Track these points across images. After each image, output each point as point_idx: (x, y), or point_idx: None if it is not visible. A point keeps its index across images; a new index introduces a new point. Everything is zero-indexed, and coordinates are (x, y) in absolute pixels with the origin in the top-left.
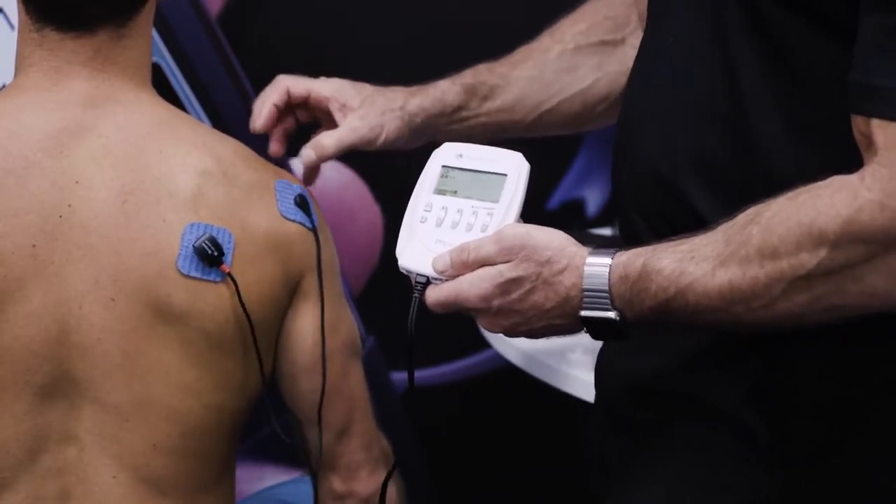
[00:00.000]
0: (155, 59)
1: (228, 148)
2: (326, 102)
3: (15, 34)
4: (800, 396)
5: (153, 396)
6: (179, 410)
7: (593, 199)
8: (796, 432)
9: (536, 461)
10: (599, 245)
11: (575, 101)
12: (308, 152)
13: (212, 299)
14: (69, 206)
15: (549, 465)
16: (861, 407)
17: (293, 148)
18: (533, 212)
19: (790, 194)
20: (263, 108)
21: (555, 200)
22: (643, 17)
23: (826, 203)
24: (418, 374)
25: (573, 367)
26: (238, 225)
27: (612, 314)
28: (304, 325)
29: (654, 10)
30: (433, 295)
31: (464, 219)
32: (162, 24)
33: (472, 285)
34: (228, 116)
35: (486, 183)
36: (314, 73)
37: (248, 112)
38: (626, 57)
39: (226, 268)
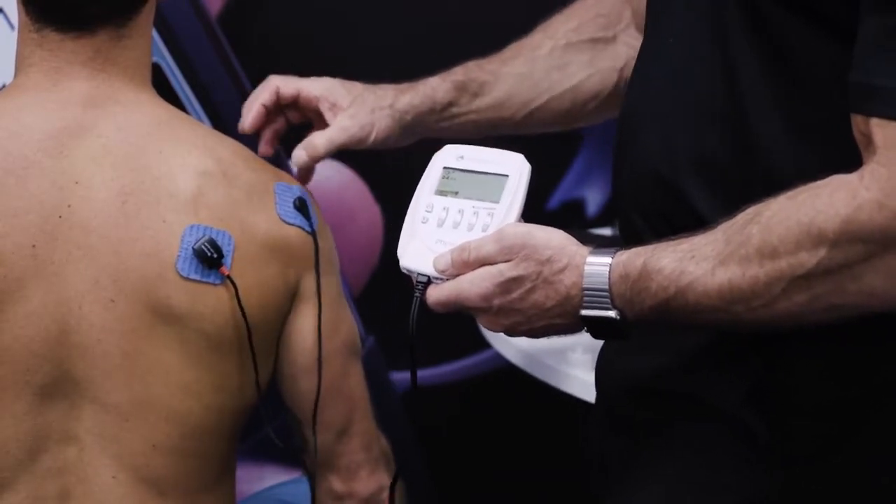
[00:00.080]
0: (155, 59)
1: (228, 148)
2: (316, 102)
3: (15, 34)
4: (800, 396)
5: (153, 397)
6: (179, 411)
7: (593, 199)
8: (796, 432)
9: (536, 461)
10: (600, 245)
11: (565, 98)
12: (299, 153)
13: (211, 301)
14: (69, 206)
15: (549, 465)
16: (861, 407)
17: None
18: (533, 212)
19: (789, 194)
20: (252, 108)
21: (555, 200)
22: (637, 15)
23: (825, 202)
24: (419, 373)
25: (573, 367)
26: (237, 226)
27: (612, 313)
28: (304, 326)
29: (654, 10)
30: (434, 294)
31: (465, 219)
32: (162, 24)
33: (473, 284)
34: (228, 116)
35: (487, 184)
36: (314, 73)
37: None
38: (617, 54)
39: (225, 270)
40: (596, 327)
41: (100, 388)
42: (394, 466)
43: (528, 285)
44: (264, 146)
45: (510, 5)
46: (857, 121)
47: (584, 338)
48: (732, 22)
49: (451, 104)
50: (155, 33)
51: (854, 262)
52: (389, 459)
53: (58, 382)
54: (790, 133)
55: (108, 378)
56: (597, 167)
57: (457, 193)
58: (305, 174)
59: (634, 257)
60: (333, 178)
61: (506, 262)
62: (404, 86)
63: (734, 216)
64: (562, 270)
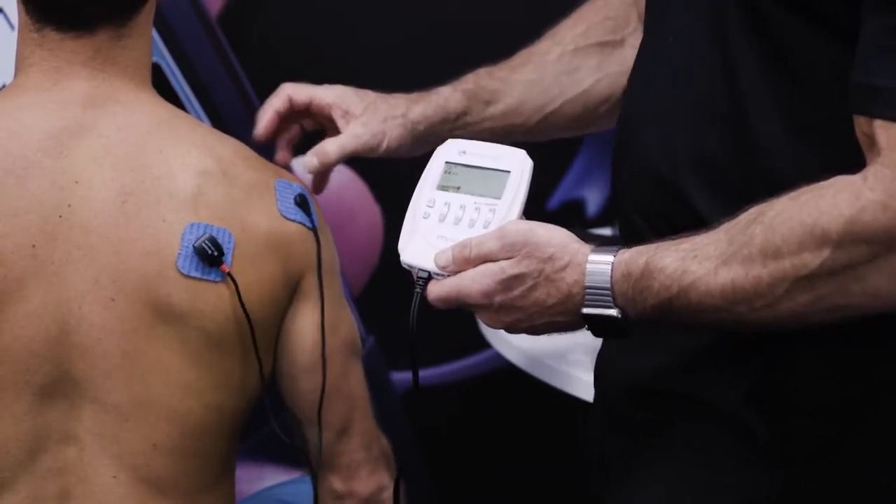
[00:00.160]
0: (155, 59)
1: (228, 148)
2: (329, 109)
3: (15, 34)
4: (800, 396)
5: (153, 396)
6: (179, 410)
7: (593, 199)
8: (796, 432)
9: (536, 461)
10: (601, 244)
11: (576, 102)
12: (311, 159)
13: (212, 299)
14: (69, 206)
15: (549, 465)
16: (861, 407)
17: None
18: (533, 212)
19: (793, 194)
20: (265, 116)
21: (555, 200)
22: (643, 17)
23: (829, 203)
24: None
25: (573, 367)
26: (238, 225)
27: (613, 312)
28: (304, 324)
29: (654, 10)
30: (435, 290)
31: (466, 215)
32: (162, 24)
33: (474, 281)
34: (228, 116)
35: (489, 179)
36: (314, 73)
37: (248, 112)
38: (625, 57)
39: (226, 268)
40: (597, 325)
41: (100, 388)
42: (394, 466)
43: (530, 283)
44: (280, 153)
45: (510, 5)
46: (859, 122)
47: (584, 338)
48: (732, 22)
49: (463, 113)
50: (155, 33)
51: (858, 263)
52: (390, 459)
53: (58, 382)
54: (790, 133)
55: (109, 378)
56: (597, 167)
57: (458, 189)
58: (319, 181)
59: (637, 256)
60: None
61: (507, 259)
62: (416, 95)
63: (736, 216)
64: (564, 268)
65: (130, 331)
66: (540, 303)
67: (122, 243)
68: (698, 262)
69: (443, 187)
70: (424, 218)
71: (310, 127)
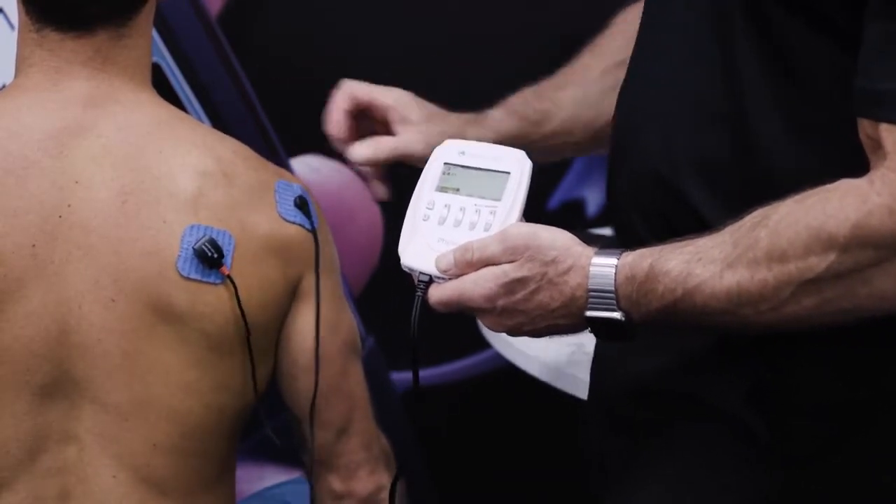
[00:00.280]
0: (155, 59)
1: (228, 148)
2: (387, 112)
3: (15, 34)
4: (800, 396)
5: (153, 396)
6: (179, 410)
7: (593, 199)
8: (796, 432)
9: (536, 461)
10: (602, 245)
11: None
12: (362, 150)
13: (211, 301)
14: (69, 206)
15: (549, 465)
16: (869, 409)
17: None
18: (533, 212)
19: (798, 197)
20: (339, 119)
21: (555, 200)
22: None
23: (835, 207)
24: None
25: (573, 367)
26: (238, 226)
27: (617, 314)
28: (305, 325)
29: (651, 10)
30: (436, 294)
31: (466, 217)
32: (162, 24)
33: (477, 285)
34: (228, 116)
35: (488, 181)
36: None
37: (249, 112)
38: None
39: (225, 270)
40: (601, 328)
41: (100, 388)
42: (394, 466)
43: (533, 286)
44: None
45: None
46: (863, 125)
47: (584, 338)
48: (733, 22)
49: (516, 137)
50: (155, 33)
51: (864, 267)
52: (389, 459)
53: (58, 382)
54: (790, 133)
55: (109, 378)
56: (597, 167)
57: (458, 190)
58: (376, 180)
59: (640, 259)
60: (333, 178)
61: (510, 262)
62: (469, 117)
63: (740, 219)
64: (567, 271)
65: (130, 331)
66: (543, 306)
67: (122, 243)
68: (703, 265)
69: (442, 189)
70: (424, 220)
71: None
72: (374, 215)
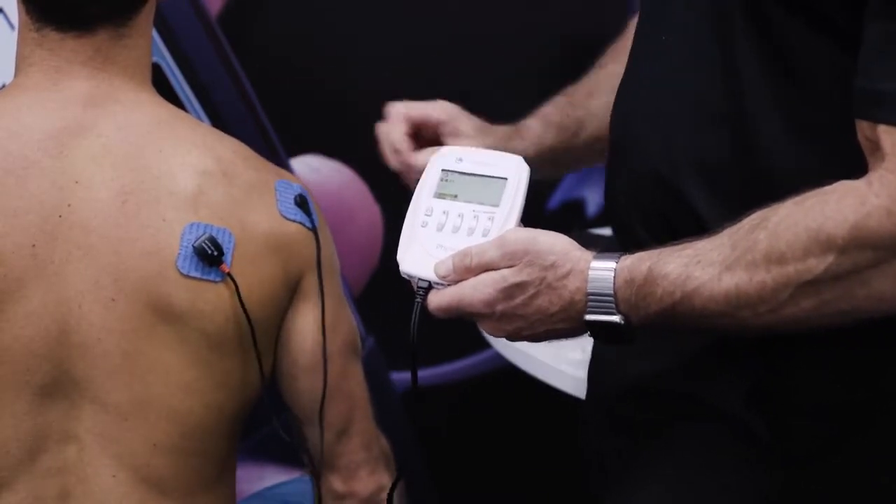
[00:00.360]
0: (155, 59)
1: (228, 147)
2: (440, 126)
3: (15, 34)
4: (800, 397)
5: (153, 396)
6: (179, 410)
7: (593, 199)
8: (796, 432)
9: (536, 461)
10: (603, 248)
11: None
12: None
13: (212, 299)
14: (69, 205)
15: (548, 465)
16: (867, 410)
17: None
18: (533, 212)
19: (797, 199)
20: (401, 144)
21: (555, 200)
22: None
23: (833, 208)
24: (419, 373)
25: (573, 367)
26: (238, 225)
27: (616, 318)
28: (305, 324)
29: (648, 10)
30: (436, 300)
31: (465, 223)
32: (162, 24)
33: (476, 290)
34: (228, 116)
35: (486, 187)
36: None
37: (249, 112)
38: None
39: (225, 268)
40: (600, 332)
41: (100, 388)
42: (394, 466)
43: (532, 291)
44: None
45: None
46: (862, 126)
47: (584, 339)
48: (733, 22)
49: (555, 147)
50: (155, 33)
51: (863, 268)
52: (389, 459)
53: (58, 382)
54: (790, 133)
55: (109, 378)
56: (597, 167)
57: (456, 197)
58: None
59: (639, 262)
60: (333, 178)
61: (509, 267)
62: (510, 130)
63: (739, 221)
64: (566, 276)
65: (130, 331)
66: (542, 310)
67: (122, 243)
68: (702, 267)
69: (440, 195)
70: (422, 227)
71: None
72: (374, 215)
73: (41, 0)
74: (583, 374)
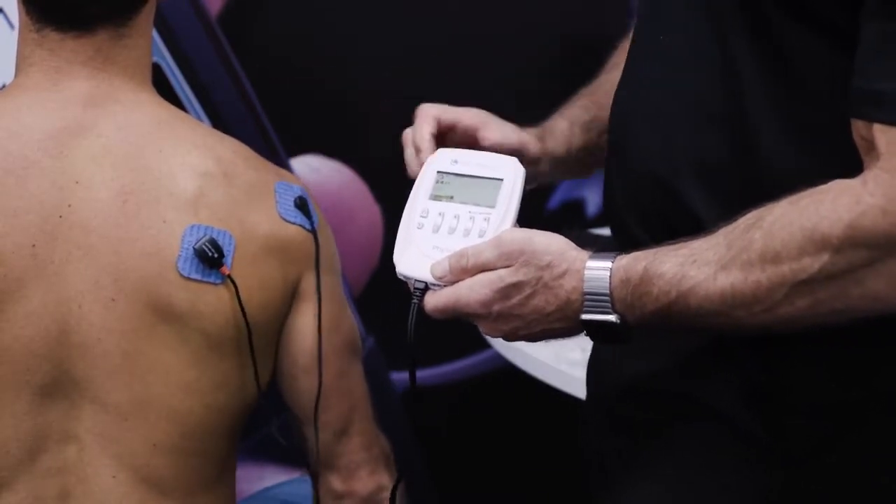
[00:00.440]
0: (155, 59)
1: (228, 148)
2: (472, 131)
3: (15, 34)
4: (794, 396)
5: (153, 396)
6: (179, 410)
7: (593, 199)
8: (791, 432)
9: (536, 461)
10: (600, 248)
11: None
12: None
13: (212, 301)
14: (69, 205)
15: (549, 465)
16: (862, 409)
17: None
18: (533, 212)
19: (791, 198)
20: (425, 143)
21: (555, 200)
22: None
23: (828, 207)
24: (418, 374)
25: (573, 367)
26: (238, 226)
27: (612, 318)
28: (305, 325)
29: (647, 10)
30: (432, 301)
31: (461, 224)
32: (162, 24)
33: (472, 291)
34: (228, 116)
35: (482, 188)
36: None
37: (249, 112)
38: None
39: (226, 270)
40: (596, 331)
41: (100, 388)
42: (394, 466)
43: (528, 291)
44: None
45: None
46: (857, 126)
47: (584, 339)
48: (733, 22)
49: (583, 148)
50: (155, 33)
51: (857, 268)
52: (389, 459)
53: (58, 382)
54: (790, 134)
55: (109, 378)
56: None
57: (452, 198)
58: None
59: (635, 262)
60: (333, 178)
61: (505, 267)
62: (537, 132)
63: (735, 220)
64: (562, 275)
65: (130, 331)
66: (538, 310)
67: (122, 243)
68: (697, 267)
69: (436, 197)
70: (418, 228)
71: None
72: (374, 215)
73: (41, 0)
74: (583, 374)
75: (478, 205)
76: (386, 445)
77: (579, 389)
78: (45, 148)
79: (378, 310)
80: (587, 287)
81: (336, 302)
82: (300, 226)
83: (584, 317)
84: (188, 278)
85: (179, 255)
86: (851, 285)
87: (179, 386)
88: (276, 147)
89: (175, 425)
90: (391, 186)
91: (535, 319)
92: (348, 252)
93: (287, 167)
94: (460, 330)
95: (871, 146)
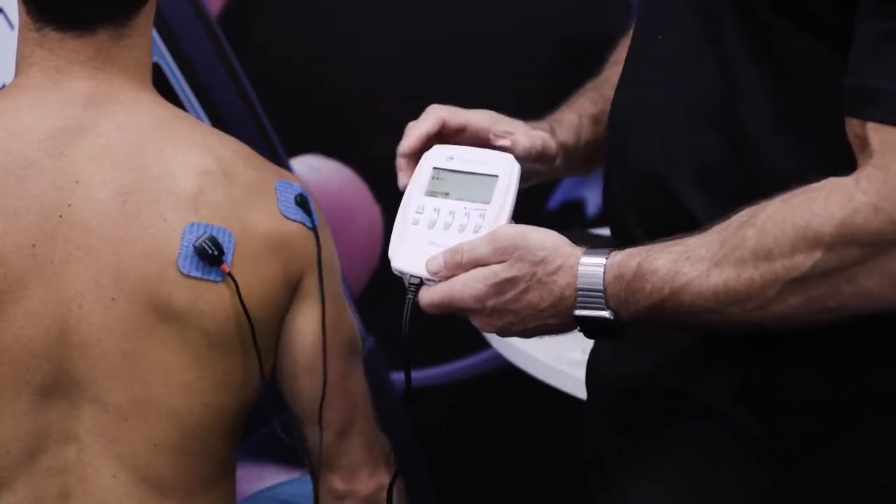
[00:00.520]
0: (155, 59)
1: (228, 147)
2: (485, 133)
3: (15, 34)
4: (787, 394)
5: (153, 396)
6: (179, 410)
7: (593, 199)
8: (784, 430)
9: (536, 461)
10: (595, 245)
11: None
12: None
13: (212, 299)
14: (69, 205)
15: (548, 465)
16: (855, 406)
17: (294, 147)
18: (533, 212)
19: (784, 196)
20: (414, 135)
21: (555, 200)
22: None
23: (821, 205)
24: (418, 374)
25: (573, 367)
26: (238, 224)
27: (606, 313)
28: (305, 324)
29: (645, 11)
30: (427, 296)
31: (456, 220)
32: (162, 24)
33: (467, 286)
34: (228, 116)
35: (477, 184)
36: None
37: (249, 112)
38: None
39: (226, 267)
40: (590, 327)
41: (100, 388)
42: (394, 466)
43: (522, 286)
44: (403, 178)
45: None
46: (851, 124)
47: (583, 338)
48: (730, 23)
49: (591, 141)
50: (155, 33)
51: (850, 265)
52: (390, 459)
53: (58, 382)
54: (787, 134)
55: (109, 378)
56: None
57: (447, 194)
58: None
59: (629, 258)
60: (333, 178)
61: (499, 263)
62: (546, 125)
63: (728, 218)
64: (556, 271)
65: (131, 331)
66: (532, 306)
67: (122, 243)
68: (690, 263)
69: (431, 193)
70: (414, 224)
71: None
72: (373, 215)
73: (41, 0)
74: (582, 374)
75: (473, 201)
76: (386, 445)
77: (579, 389)
78: (45, 148)
79: (378, 310)
80: (581, 283)
81: (336, 302)
82: (301, 223)
83: (578, 313)
84: (188, 276)
85: (179, 253)
86: (844, 283)
87: (179, 386)
88: (276, 147)
89: (175, 425)
90: (391, 186)
91: (529, 315)
92: (348, 252)
93: (287, 167)
94: (460, 330)
95: (865, 144)
